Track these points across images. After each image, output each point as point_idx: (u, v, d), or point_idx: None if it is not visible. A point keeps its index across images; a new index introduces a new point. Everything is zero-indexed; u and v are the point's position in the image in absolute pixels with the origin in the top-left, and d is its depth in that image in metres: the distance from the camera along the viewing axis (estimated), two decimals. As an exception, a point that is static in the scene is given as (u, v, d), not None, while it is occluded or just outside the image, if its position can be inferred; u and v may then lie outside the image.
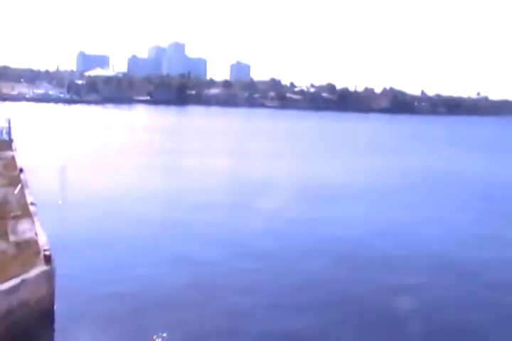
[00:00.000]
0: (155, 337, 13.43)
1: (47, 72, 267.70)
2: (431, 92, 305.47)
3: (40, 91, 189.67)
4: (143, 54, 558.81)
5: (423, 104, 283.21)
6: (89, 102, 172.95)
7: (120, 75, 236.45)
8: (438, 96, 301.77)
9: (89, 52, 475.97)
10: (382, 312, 16.37)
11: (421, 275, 19.94)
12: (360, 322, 15.64)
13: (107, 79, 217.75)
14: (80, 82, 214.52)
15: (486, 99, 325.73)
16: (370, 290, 18.07)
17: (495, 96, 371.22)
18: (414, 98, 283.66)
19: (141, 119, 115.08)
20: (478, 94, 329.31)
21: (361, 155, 61.99)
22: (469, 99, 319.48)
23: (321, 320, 15.57)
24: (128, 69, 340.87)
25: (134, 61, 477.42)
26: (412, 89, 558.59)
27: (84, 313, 14.79)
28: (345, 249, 22.94)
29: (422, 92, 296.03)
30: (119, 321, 14.35)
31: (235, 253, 21.43)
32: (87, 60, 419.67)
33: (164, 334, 13.62)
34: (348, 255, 22.06)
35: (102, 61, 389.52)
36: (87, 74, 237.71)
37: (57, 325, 14.08)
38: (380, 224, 27.94)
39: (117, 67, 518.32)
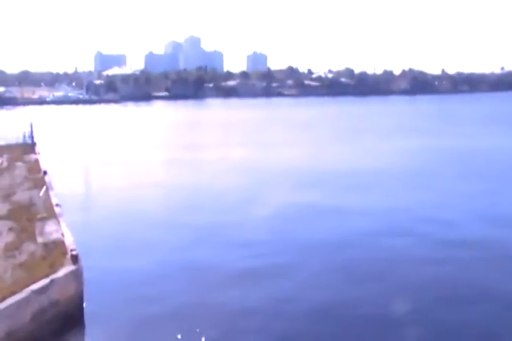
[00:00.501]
0: (182, 334, 13.59)
1: (65, 74, 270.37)
2: (452, 71, 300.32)
3: (60, 93, 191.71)
4: (159, 50, 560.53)
5: (444, 83, 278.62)
6: (108, 101, 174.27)
7: (137, 73, 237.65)
8: (459, 74, 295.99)
9: (106, 52, 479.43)
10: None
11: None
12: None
13: (125, 78, 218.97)
14: (98, 82, 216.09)
15: (510, 73, 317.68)
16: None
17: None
18: (434, 78, 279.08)
19: (160, 115, 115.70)
20: (502, 68, 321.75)
21: (386, 139, 61.42)
22: (493, 74, 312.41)
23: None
24: (145, 66, 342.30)
25: (150, 58, 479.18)
26: (433, 68, 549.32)
27: (112, 311, 15.06)
28: (381, 234, 22.93)
29: (443, 71, 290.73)
30: (146, 320, 14.55)
31: (261, 244, 21.55)
32: (104, 60, 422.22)
33: (194, 331, 13.79)
34: (385, 238, 22.06)
35: (119, 60, 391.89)
36: (104, 73, 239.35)
37: (86, 322, 14.39)
38: (419, 208, 27.74)
39: (135, 64, 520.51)
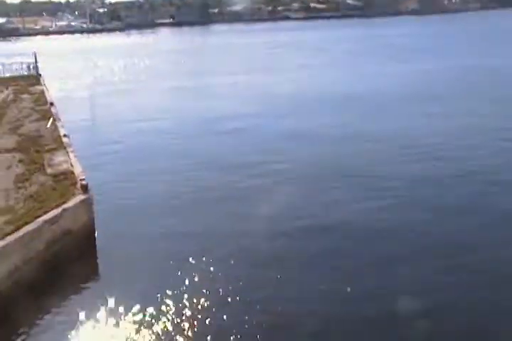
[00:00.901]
0: (192, 260, 13.74)
1: (67, 2, 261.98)
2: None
3: (63, 23, 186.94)
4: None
5: (454, 0, 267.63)
6: (112, 30, 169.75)
7: (141, 0, 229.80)
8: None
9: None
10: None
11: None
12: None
13: (128, 5, 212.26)
14: (101, 10, 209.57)
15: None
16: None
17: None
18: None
19: (165, 43, 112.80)
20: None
21: (393, 61, 59.84)
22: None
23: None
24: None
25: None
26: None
27: (124, 240, 15.18)
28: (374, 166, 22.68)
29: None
30: (157, 249, 14.66)
31: (262, 166, 21.48)
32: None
33: (197, 259, 13.90)
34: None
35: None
36: (107, 1, 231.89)
37: (98, 251, 14.56)
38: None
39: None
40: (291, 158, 22.74)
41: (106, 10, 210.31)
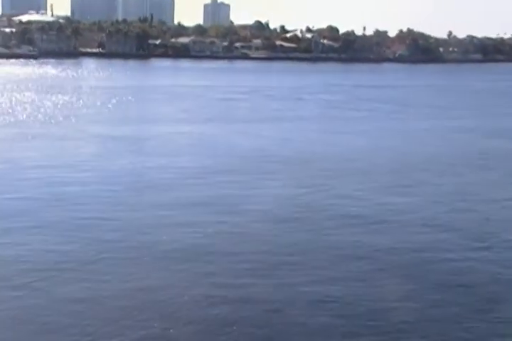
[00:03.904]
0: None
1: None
2: (461, 34, 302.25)
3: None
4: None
5: (451, 49, 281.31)
6: (21, 56, 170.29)
7: (62, 21, 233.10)
8: (471, 38, 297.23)
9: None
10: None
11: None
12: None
13: (45, 27, 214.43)
14: (8, 30, 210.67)
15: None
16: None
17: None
18: (439, 42, 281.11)
19: (91, 78, 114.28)
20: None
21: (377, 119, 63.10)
22: (511, 40, 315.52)
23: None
24: (72, 13, 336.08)
25: (79, 2, 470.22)
26: (437, 31, 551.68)
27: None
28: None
29: (450, 34, 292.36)
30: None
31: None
32: (16, 1, 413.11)
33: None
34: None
35: (37, 2, 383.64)
36: (16, 19, 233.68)
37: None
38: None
39: (57, 10, 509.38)
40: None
41: (14, 30, 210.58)
